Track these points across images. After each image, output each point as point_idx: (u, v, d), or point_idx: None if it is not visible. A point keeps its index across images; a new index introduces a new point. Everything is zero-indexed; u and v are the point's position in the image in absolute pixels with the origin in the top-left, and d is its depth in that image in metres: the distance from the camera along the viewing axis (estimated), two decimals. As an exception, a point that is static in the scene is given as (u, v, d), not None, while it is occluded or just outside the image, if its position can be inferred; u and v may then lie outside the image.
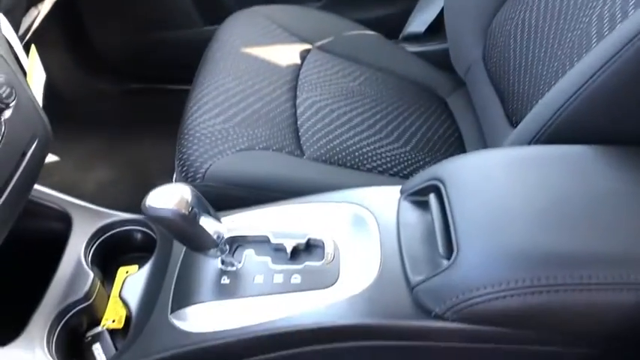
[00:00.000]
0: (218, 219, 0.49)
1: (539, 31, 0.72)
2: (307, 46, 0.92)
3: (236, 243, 0.54)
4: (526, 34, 0.74)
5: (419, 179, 0.53)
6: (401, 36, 1.02)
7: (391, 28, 1.02)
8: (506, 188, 0.47)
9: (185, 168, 0.70)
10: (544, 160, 0.50)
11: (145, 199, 0.45)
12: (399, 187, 0.55)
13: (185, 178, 0.70)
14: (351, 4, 1.07)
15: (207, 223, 0.47)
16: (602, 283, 0.42)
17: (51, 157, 1.20)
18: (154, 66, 1.24)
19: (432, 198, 0.50)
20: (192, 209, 0.45)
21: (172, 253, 0.57)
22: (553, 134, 0.56)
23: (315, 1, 1.09)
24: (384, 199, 0.55)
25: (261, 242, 0.54)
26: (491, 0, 0.81)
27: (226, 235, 0.50)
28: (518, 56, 0.75)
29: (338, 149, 0.76)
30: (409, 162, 0.79)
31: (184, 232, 0.46)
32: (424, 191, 0.52)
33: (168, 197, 0.44)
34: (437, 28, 0.99)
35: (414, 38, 1.01)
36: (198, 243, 0.48)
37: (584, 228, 0.45)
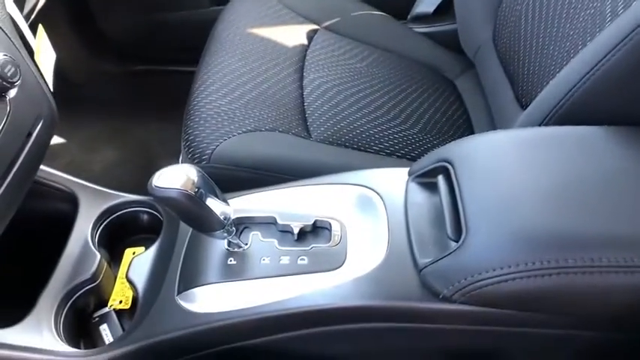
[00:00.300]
0: (225, 200, 0.49)
1: (550, 10, 0.70)
2: (314, 27, 0.91)
3: (243, 224, 0.54)
4: (537, 14, 0.73)
5: (427, 161, 0.52)
6: (409, 16, 1.00)
7: (399, 8, 1.00)
8: (515, 169, 0.46)
9: (191, 149, 0.69)
10: (554, 141, 0.49)
11: (151, 179, 0.44)
12: (406, 169, 0.55)
13: (191, 160, 0.70)
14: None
15: (213, 204, 0.47)
16: (612, 265, 0.42)
17: (57, 139, 1.20)
18: (160, 47, 1.23)
19: (441, 179, 0.49)
20: (198, 190, 0.44)
21: (179, 234, 0.57)
22: (564, 115, 0.55)
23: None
24: (391, 181, 0.54)
25: (267, 224, 0.54)
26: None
27: (233, 217, 0.50)
28: (529, 37, 0.73)
29: (345, 130, 0.75)
30: (417, 144, 0.78)
31: (190, 212, 0.46)
32: (432, 173, 0.51)
33: (174, 177, 0.44)
34: (446, 8, 0.97)
35: (423, 18, 0.99)
36: (205, 224, 0.48)
37: (595, 210, 0.44)
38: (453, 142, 0.52)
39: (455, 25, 0.93)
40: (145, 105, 1.20)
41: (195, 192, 0.44)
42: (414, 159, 0.76)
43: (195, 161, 0.69)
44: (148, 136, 1.21)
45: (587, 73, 0.53)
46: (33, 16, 0.90)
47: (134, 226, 0.63)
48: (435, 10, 0.99)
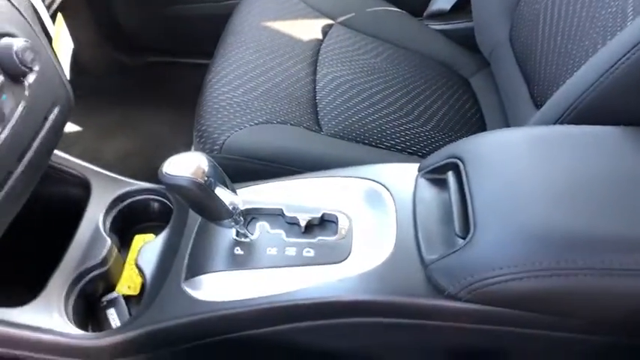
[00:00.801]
0: (234, 190, 0.49)
1: (570, 8, 0.69)
2: (329, 21, 0.91)
3: (250, 215, 0.54)
4: (556, 12, 0.72)
5: (437, 157, 0.52)
6: (425, 13, 1.00)
7: (416, 4, 0.99)
8: (527, 167, 0.46)
9: (203, 139, 0.70)
10: (568, 139, 0.48)
11: (162, 166, 0.45)
12: (416, 165, 0.54)
13: (203, 150, 0.70)
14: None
15: (222, 193, 0.47)
16: (624, 269, 0.41)
17: (73, 127, 1.22)
18: (176, 39, 1.24)
19: (450, 176, 0.49)
20: (208, 178, 0.45)
21: (188, 222, 0.57)
22: (580, 115, 0.55)
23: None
24: (401, 176, 0.54)
25: (275, 215, 0.54)
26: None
27: (241, 207, 0.50)
28: (546, 35, 0.72)
29: (356, 126, 0.75)
30: (429, 141, 0.78)
31: (199, 201, 0.46)
32: (442, 169, 0.51)
33: (185, 165, 0.44)
34: (462, 5, 0.96)
35: (439, 16, 0.98)
36: (213, 213, 0.48)
37: (608, 211, 0.43)
38: (463, 139, 0.51)
39: (471, 22, 0.92)
40: (160, 96, 1.21)
41: (204, 180, 0.44)
42: (424, 156, 0.75)
43: (207, 151, 0.69)
44: (162, 126, 1.22)
45: (606, 71, 0.52)
46: (54, 7, 0.91)
47: (145, 213, 0.64)
48: (452, 8, 0.98)
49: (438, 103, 0.84)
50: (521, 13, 0.80)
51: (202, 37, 1.00)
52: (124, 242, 0.63)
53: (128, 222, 0.63)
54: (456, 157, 0.49)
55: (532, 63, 0.75)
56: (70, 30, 1.19)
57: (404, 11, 0.98)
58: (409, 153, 0.74)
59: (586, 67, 0.57)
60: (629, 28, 0.53)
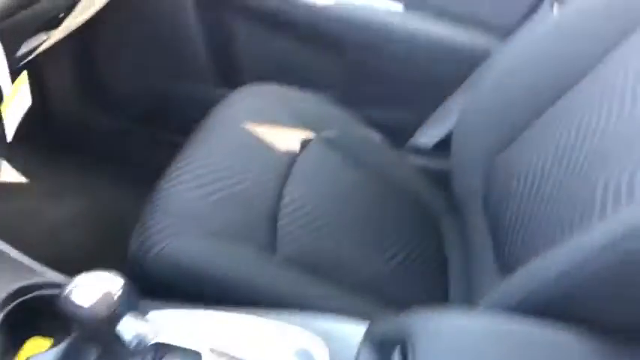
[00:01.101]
0: (145, 319, 0.42)
1: (545, 179, 0.68)
2: (310, 136, 0.89)
3: (163, 350, 0.46)
4: (530, 180, 0.70)
5: (386, 327, 0.46)
6: (407, 145, 1.00)
7: (399, 135, 1.00)
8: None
9: (141, 239, 0.63)
10: (535, 345, 0.43)
11: (64, 289, 0.38)
12: (364, 327, 0.48)
13: (139, 248, 0.63)
14: (366, 102, 1.05)
15: (130, 325, 0.40)
16: None
17: (19, 178, 1.14)
18: (159, 114, 1.22)
19: (397, 355, 0.43)
20: (114, 310, 0.38)
21: (92, 342, 0.49)
22: (548, 302, 0.51)
23: (332, 91, 1.06)
24: (344, 337, 0.48)
25: (192, 355, 0.46)
26: (499, 137, 0.78)
27: (152, 341, 0.43)
28: (518, 201, 0.71)
29: (315, 254, 0.70)
30: (389, 279, 0.73)
31: (101, 335, 0.39)
32: (389, 343, 0.45)
33: (90, 292, 0.38)
34: (444, 146, 0.97)
35: (421, 151, 0.99)
36: (116, 348, 0.41)
37: None
38: (417, 315, 0.46)
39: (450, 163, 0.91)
40: (126, 166, 1.15)
41: (109, 313, 0.38)
42: (382, 296, 0.70)
43: (143, 252, 0.63)
44: (117, 199, 1.15)
45: (579, 262, 0.49)
46: (32, 55, 0.87)
47: (47, 313, 0.55)
48: (434, 146, 0.98)
49: (404, 240, 0.81)
50: (497, 171, 0.79)
51: (187, 118, 0.97)
52: (15, 347, 0.53)
53: (25, 322, 0.54)
54: (405, 337, 0.43)
55: (502, 224, 0.73)
56: (50, 80, 1.16)
57: (385, 139, 0.97)
58: (363, 295, 0.69)
59: (558, 250, 0.54)
60: (610, 218, 0.50)
